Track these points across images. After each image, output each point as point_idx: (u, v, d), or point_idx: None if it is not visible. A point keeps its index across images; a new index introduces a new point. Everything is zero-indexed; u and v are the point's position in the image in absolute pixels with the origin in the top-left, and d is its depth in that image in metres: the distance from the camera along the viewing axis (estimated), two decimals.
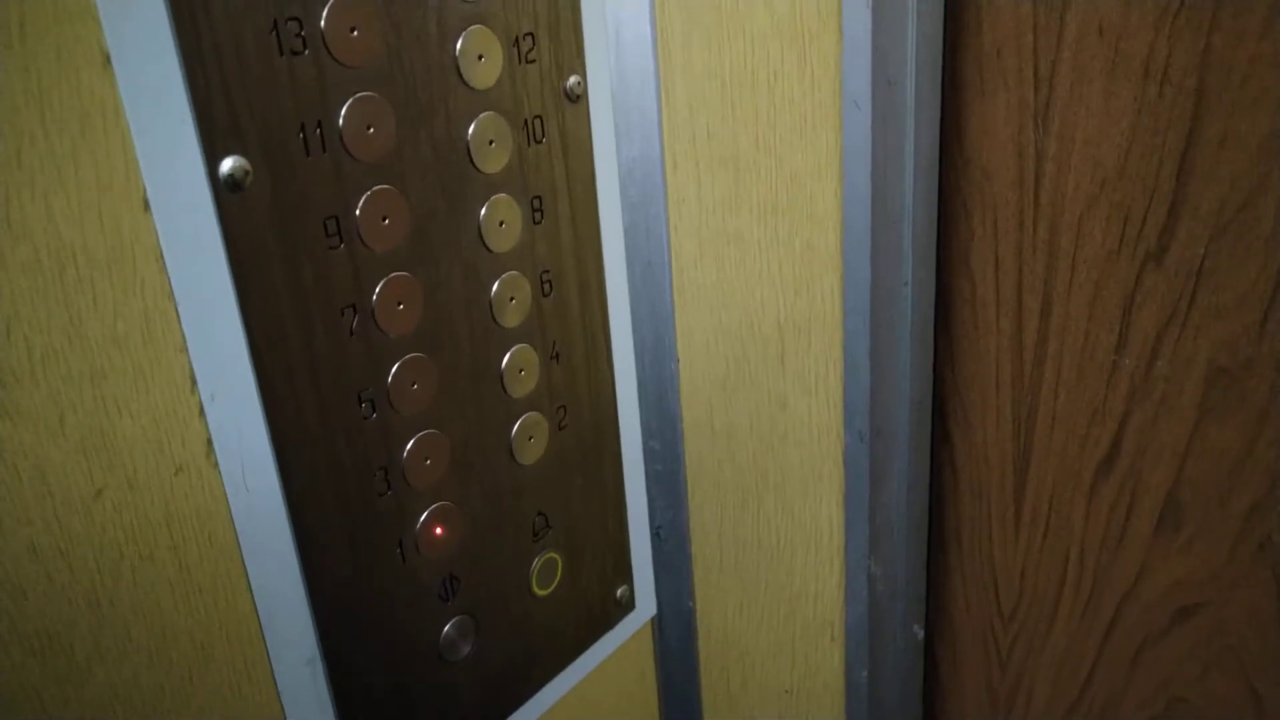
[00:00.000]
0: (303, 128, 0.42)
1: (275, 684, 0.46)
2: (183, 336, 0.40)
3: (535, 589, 0.60)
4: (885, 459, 0.59)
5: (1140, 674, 0.62)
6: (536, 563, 0.60)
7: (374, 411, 0.48)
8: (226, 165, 0.40)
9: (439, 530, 0.52)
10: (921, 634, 0.68)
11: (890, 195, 0.53)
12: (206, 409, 0.41)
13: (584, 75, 0.55)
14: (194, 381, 0.41)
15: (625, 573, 0.69)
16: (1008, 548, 0.64)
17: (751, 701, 0.73)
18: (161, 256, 0.39)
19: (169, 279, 0.39)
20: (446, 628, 0.54)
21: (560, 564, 0.62)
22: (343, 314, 0.45)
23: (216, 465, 0.42)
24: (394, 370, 0.48)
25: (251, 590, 0.44)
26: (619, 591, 0.68)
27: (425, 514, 0.51)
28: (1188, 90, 0.48)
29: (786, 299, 0.57)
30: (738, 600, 0.70)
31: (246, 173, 0.41)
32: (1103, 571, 0.60)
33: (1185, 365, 0.53)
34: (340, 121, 0.43)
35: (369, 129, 0.45)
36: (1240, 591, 0.56)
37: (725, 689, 0.74)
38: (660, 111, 0.58)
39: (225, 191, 0.40)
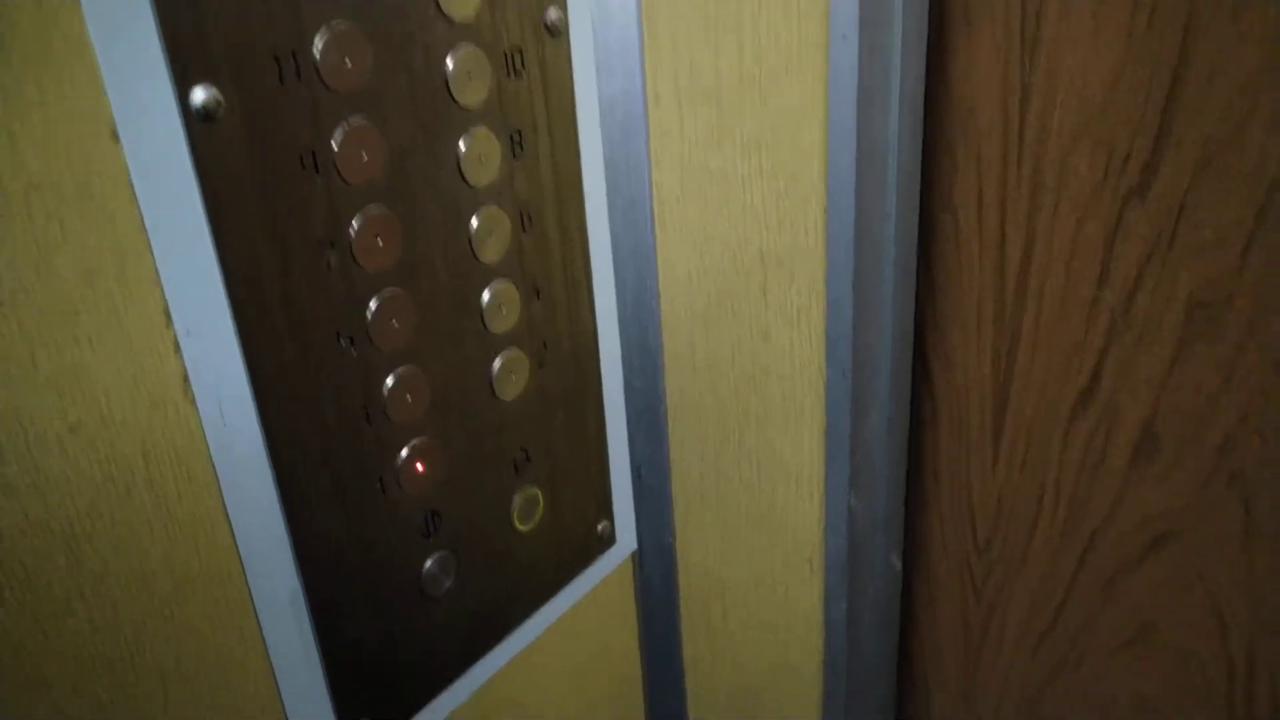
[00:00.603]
0: (277, 57, 0.41)
1: (257, 618, 0.47)
2: (156, 271, 0.39)
3: (516, 524, 0.61)
4: (866, 393, 0.59)
5: (1112, 602, 0.63)
6: (518, 498, 0.60)
7: (353, 347, 0.47)
8: (198, 95, 0.39)
9: (420, 466, 0.52)
10: (899, 565, 0.69)
11: (875, 130, 0.52)
12: (182, 344, 0.41)
13: (564, 8, 0.54)
14: (169, 316, 0.40)
15: (606, 508, 0.69)
16: (985, 480, 0.65)
17: (732, 634, 0.74)
18: (132, 189, 0.38)
19: (140, 212, 0.38)
20: (428, 563, 0.55)
21: (541, 499, 0.62)
22: (319, 248, 0.45)
23: (194, 401, 0.42)
24: (372, 306, 0.47)
25: (231, 526, 0.44)
26: (600, 526, 0.69)
27: (406, 450, 0.51)
28: (1177, 22, 0.47)
29: (769, 233, 0.57)
30: (718, 534, 0.71)
31: (218, 102, 0.39)
32: (1078, 502, 0.61)
33: (1165, 300, 0.53)
34: (316, 51, 0.42)
35: (345, 60, 0.43)
36: (1211, 521, 0.57)
37: (705, 622, 0.75)
38: (642, 45, 0.57)
39: (197, 122, 0.39)
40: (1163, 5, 0.47)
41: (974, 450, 0.65)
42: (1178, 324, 0.53)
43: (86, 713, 0.40)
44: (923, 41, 0.53)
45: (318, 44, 0.42)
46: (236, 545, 0.45)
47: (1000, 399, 0.62)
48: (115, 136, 0.37)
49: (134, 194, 0.38)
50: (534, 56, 0.53)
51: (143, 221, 0.38)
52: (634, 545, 0.74)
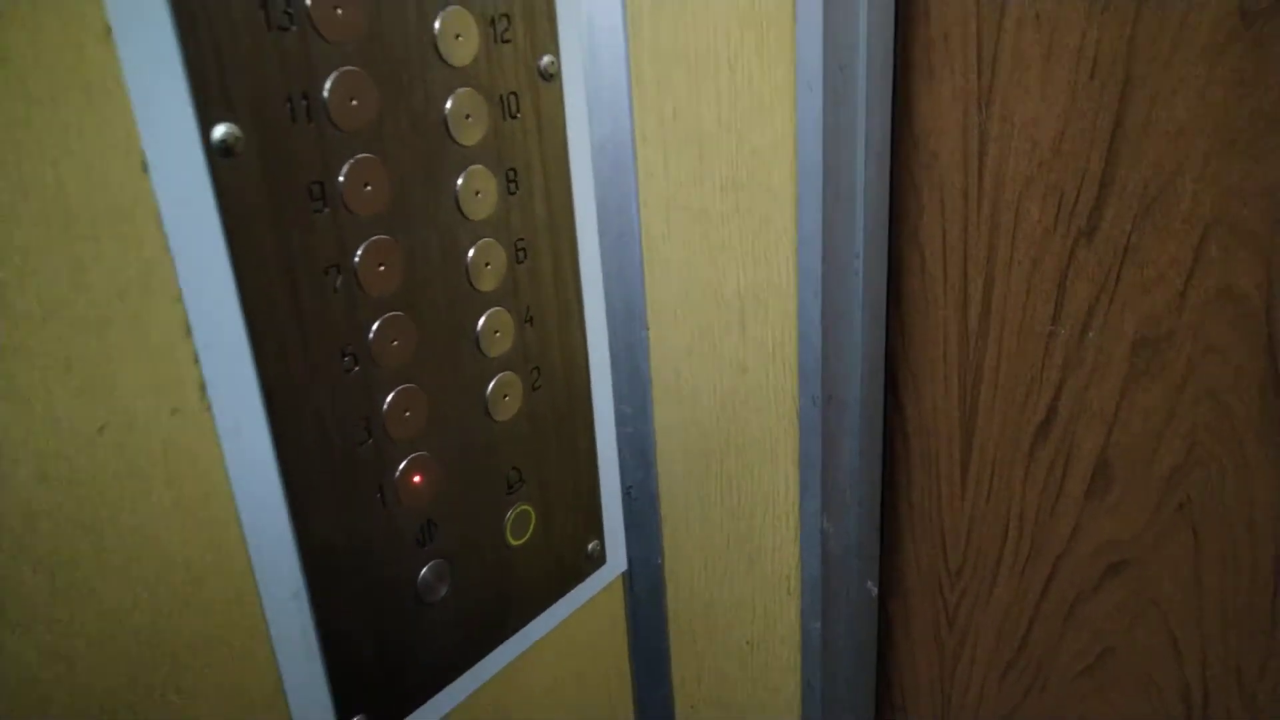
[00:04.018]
0: (290, 98, 0.46)
1: (263, 613, 0.50)
2: (178, 289, 0.44)
3: (509, 539, 0.64)
4: (838, 423, 0.63)
5: (1073, 628, 0.66)
6: (510, 514, 0.64)
7: (356, 365, 0.52)
8: (219, 132, 0.44)
9: (417, 478, 0.56)
10: (875, 590, 0.72)
11: (843, 172, 0.56)
12: (200, 356, 0.45)
13: (557, 55, 0.59)
14: (189, 330, 0.44)
15: (596, 528, 0.73)
16: (955, 510, 0.68)
17: (716, 652, 0.77)
18: (159, 215, 0.43)
19: (166, 236, 0.43)
20: (424, 570, 0.58)
21: (533, 517, 0.66)
22: (327, 273, 0.49)
23: (210, 409, 0.46)
24: (375, 327, 0.52)
25: (242, 526, 0.48)
26: (590, 546, 0.72)
27: (404, 462, 0.55)
28: (1116, 77, 0.52)
29: (746, 269, 0.61)
30: (703, 556, 0.74)
31: (237, 139, 0.44)
32: (1040, 531, 0.64)
33: (1114, 336, 0.57)
34: (325, 93, 0.47)
35: (352, 101, 0.48)
36: (1163, 549, 0.60)
37: (691, 641, 0.78)
38: (630, 91, 0.62)
39: (218, 156, 0.44)
40: (1103, 57, 0.52)
41: (944, 480, 0.68)
42: (1125, 359, 0.57)
43: (105, 685, 0.44)
44: (888, 90, 0.58)
45: (327, 86, 0.47)
46: (246, 544, 0.49)
47: (966, 431, 0.65)
48: (145, 168, 0.42)
49: (160, 220, 0.43)
50: (529, 100, 0.58)
51: (168, 244, 0.43)
52: (624, 565, 0.77)
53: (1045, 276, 0.58)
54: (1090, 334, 0.57)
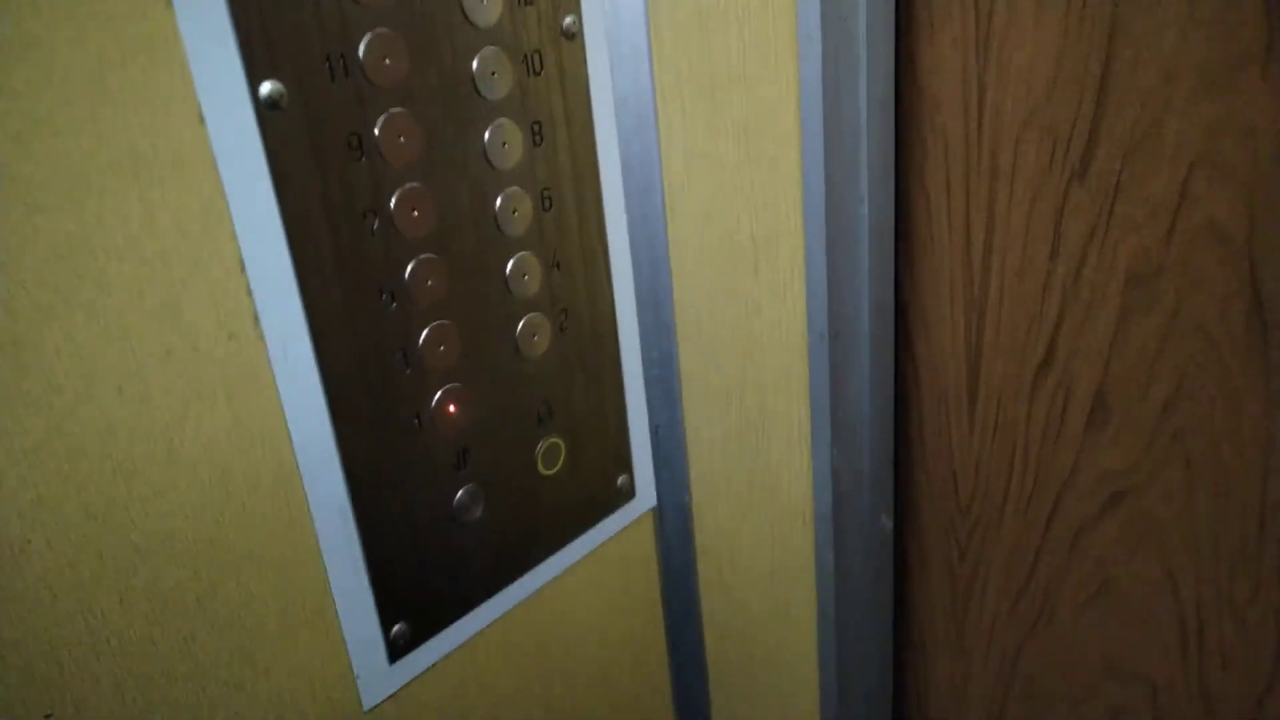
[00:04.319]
0: (329, 57, 0.51)
1: (313, 525, 0.56)
2: (233, 228, 0.49)
3: (540, 468, 0.70)
4: (845, 359, 0.66)
5: (1077, 559, 0.69)
6: (541, 445, 0.69)
7: (393, 301, 0.57)
8: (266, 88, 0.49)
9: (451, 408, 0.62)
10: (890, 525, 0.76)
11: (845, 119, 0.60)
12: (253, 289, 0.51)
13: (579, 15, 0.63)
14: (243, 265, 0.50)
15: (625, 464, 0.78)
16: (964, 445, 0.71)
17: (740, 584, 0.82)
18: (214, 162, 0.48)
19: (221, 181, 0.49)
20: (459, 493, 0.64)
21: (564, 449, 0.71)
22: (364, 216, 0.54)
23: (262, 336, 0.52)
24: (410, 267, 0.57)
25: (292, 441, 0.54)
26: (620, 480, 0.77)
27: (439, 392, 0.61)
28: (1104, 18, 0.54)
29: (757, 213, 0.65)
30: (726, 492, 0.79)
31: (282, 94, 0.50)
32: (1043, 465, 0.67)
33: (1107, 273, 0.59)
34: (360, 53, 0.52)
35: (385, 59, 0.53)
36: (1158, 479, 0.62)
37: (718, 574, 0.83)
38: (650, 48, 0.66)
39: (265, 109, 0.49)
40: (1092, 1, 0.54)
41: (953, 417, 0.71)
42: (1118, 295, 0.59)
43: (174, 578, 0.50)
44: (890, 41, 0.61)
45: (362, 46, 0.52)
46: (297, 460, 0.55)
47: (973, 369, 0.68)
48: (201, 120, 0.47)
49: (216, 166, 0.48)
50: (552, 58, 0.62)
51: (223, 188, 0.49)
52: (654, 502, 0.82)
53: (1042, 216, 0.60)
54: (1086, 271, 0.60)
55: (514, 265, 0.63)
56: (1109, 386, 0.62)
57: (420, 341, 0.59)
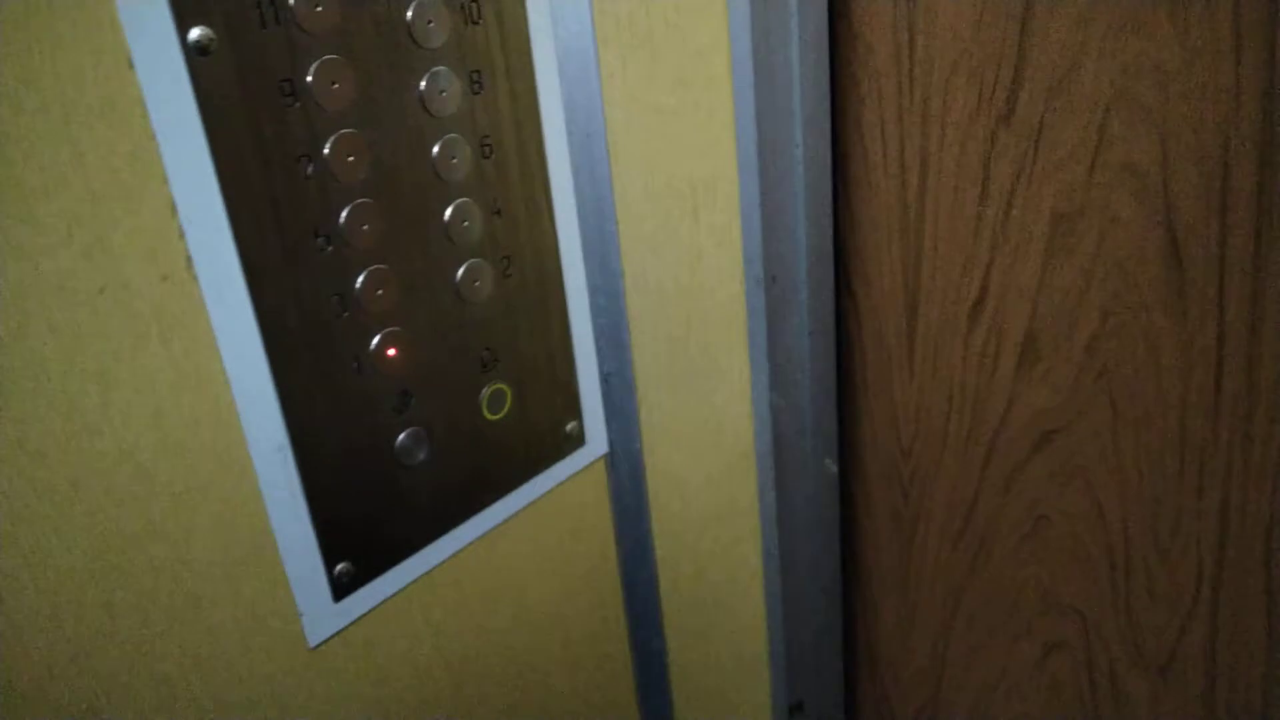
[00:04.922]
0: (259, 4, 0.52)
1: (251, 461, 0.58)
2: (164, 171, 0.50)
3: (486, 413, 0.71)
4: (782, 302, 0.68)
5: (1012, 498, 0.70)
6: (485, 391, 0.70)
7: (329, 245, 0.58)
8: (194, 33, 0.50)
9: (391, 351, 0.63)
10: (834, 467, 0.78)
11: (777, 66, 0.61)
12: (186, 231, 0.52)
13: None
14: (174, 208, 0.51)
15: (574, 410, 0.79)
16: (905, 388, 0.73)
17: (691, 530, 0.83)
18: (144, 106, 0.49)
19: (152, 125, 0.49)
20: (401, 435, 0.65)
21: (509, 395, 0.72)
22: (299, 161, 0.55)
23: (196, 278, 0.53)
24: (346, 212, 0.58)
25: (230, 382, 0.55)
26: (568, 426, 0.79)
27: (378, 336, 0.62)
28: None
29: (696, 160, 0.66)
30: (675, 438, 0.80)
31: (211, 39, 0.50)
32: (979, 406, 0.69)
33: (1034, 214, 0.60)
34: (291, 0, 0.53)
35: (317, 7, 0.54)
36: (1086, 417, 0.64)
37: (670, 520, 0.85)
38: None
39: (194, 55, 0.50)
40: None
41: (894, 360, 0.73)
42: (1045, 236, 0.60)
43: (109, 517, 0.52)
44: None
45: None
46: (234, 399, 0.56)
47: (911, 312, 0.69)
48: (131, 65, 0.48)
49: (147, 110, 0.49)
50: (490, 6, 0.63)
51: (153, 132, 0.49)
52: (605, 448, 0.84)
53: (972, 159, 0.61)
54: (1014, 213, 0.61)
55: (453, 211, 0.64)
56: (1038, 327, 0.63)
57: (357, 285, 0.60)
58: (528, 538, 0.78)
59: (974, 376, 0.68)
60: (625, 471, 0.85)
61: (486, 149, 0.65)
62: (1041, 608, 0.73)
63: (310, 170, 0.56)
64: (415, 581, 0.69)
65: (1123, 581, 0.67)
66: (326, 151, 0.56)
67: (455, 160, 0.63)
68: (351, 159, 0.58)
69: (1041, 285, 0.62)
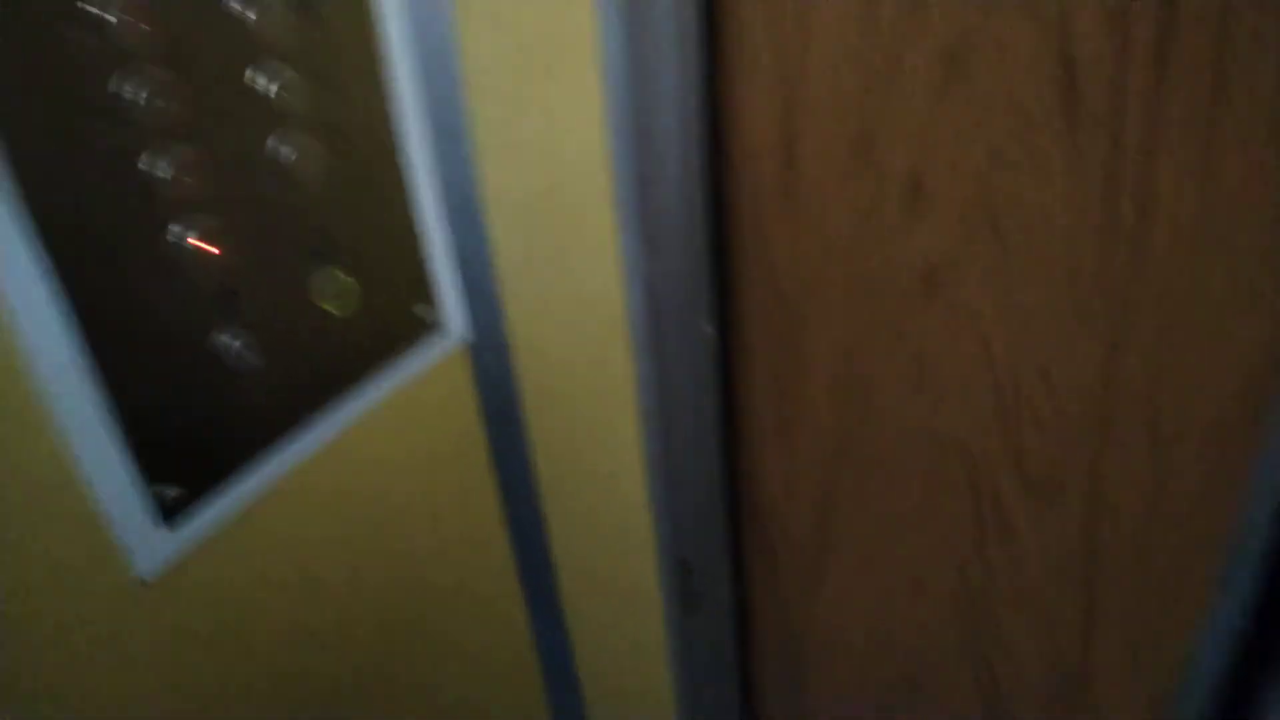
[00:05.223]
0: None
1: (37, 381, 0.48)
2: None
3: (321, 304, 0.63)
4: (650, 164, 0.61)
5: (898, 345, 0.68)
6: (319, 279, 0.62)
7: (120, 123, 0.48)
8: None
9: (208, 245, 0.53)
10: (711, 330, 0.73)
11: None
12: None
13: None
14: None
15: (424, 293, 0.72)
16: (783, 243, 0.68)
17: (566, 407, 0.78)
18: None
19: None
20: (226, 338, 0.56)
21: (348, 282, 0.64)
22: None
23: None
24: (136, 80, 0.47)
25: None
26: (417, 309, 0.71)
27: (190, 228, 0.52)
28: None
29: (549, 8, 0.58)
30: (542, 315, 0.74)
31: None
32: (860, 252, 0.65)
33: (922, 51, 0.55)
34: None
35: None
36: (975, 259, 0.61)
37: (545, 400, 0.79)
38: None
39: None
40: None
41: (771, 211, 0.67)
42: (935, 74, 0.55)
43: None
44: None
45: None
46: (8, 310, 0.46)
47: (789, 155, 0.64)
48: None
49: None
50: None
51: None
52: (465, 333, 0.77)
53: None
54: (899, 49, 0.56)
55: (266, 78, 0.54)
56: (924, 167, 0.59)
57: (158, 170, 0.50)
58: (386, 438, 0.72)
59: (857, 223, 0.64)
60: (490, 356, 0.78)
61: (301, 9, 0.55)
62: (927, 448, 0.72)
63: (95, 38, 0.45)
64: (262, 494, 0.62)
65: (1013, 416, 0.66)
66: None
67: (264, 20, 0.53)
68: (147, 28, 0.47)
69: (928, 124, 0.57)
